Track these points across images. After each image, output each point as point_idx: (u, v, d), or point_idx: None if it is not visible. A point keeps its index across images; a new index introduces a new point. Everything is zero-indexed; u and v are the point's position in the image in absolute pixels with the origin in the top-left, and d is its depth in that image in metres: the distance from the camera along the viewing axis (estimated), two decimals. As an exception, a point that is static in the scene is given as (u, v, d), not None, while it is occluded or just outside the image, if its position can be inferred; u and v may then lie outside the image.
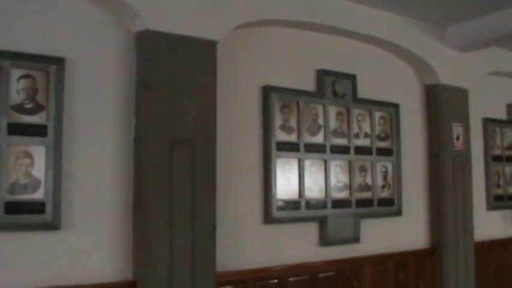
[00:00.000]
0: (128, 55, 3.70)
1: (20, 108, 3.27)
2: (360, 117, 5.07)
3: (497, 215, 6.29)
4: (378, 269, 5.01)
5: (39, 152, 3.30)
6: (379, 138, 5.20)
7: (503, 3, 4.81)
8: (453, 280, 5.43)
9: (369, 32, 4.94)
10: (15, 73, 3.26)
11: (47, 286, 3.23)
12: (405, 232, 5.33)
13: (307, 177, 4.61)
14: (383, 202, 5.15)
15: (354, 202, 4.91)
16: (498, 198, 6.32)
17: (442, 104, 5.56)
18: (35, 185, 3.28)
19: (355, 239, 4.89)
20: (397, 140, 5.30)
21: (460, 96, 5.70)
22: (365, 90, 5.07)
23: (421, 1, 4.84)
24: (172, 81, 3.70)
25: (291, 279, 4.41)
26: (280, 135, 4.50)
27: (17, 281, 3.18)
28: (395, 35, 5.15)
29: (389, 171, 5.23)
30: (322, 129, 4.77)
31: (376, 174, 5.12)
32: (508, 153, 6.49)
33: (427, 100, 5.65)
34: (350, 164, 4.93)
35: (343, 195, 4.86)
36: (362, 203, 4.98)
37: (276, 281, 4.34)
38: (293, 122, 4.59)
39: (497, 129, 6.42)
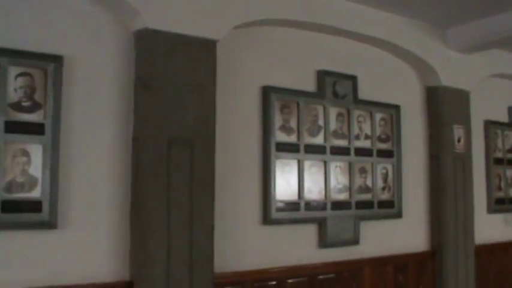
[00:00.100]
0: (127, 54, 3.68)
1: (17, 106, 3.25)
2: (361, 119, 5.04)
3: (498, 218, 6.25)
4: (378, 272, 4.99)
5: (36, 151, 3.28)
6: (380, 139, 5.17)
7: (506, 5, 4.78)
8: (453, 283, 5.39)
9: (370, 33, 4.91)
10: (13, 71, 3.24)
11: (42, 286, 3.20)
12: (405, 234, 5.30)
13: (306, 179, 4.58)
14: (383, 204, 5.13)
15: (353, 204, 4.88)
16: (499, 201, 6.28)
17: (443, 106, 5.54)
18: (32, 183, 3.26)
19: (355, 241, 4.86)
20: (398, 141, 5.28)
21: (462, 98, 5.67)
22: (366, 92, 5.05)
23: (423, 2, 4.81)
24: (172, 80, 3.67)
25: (289, 280, 4.39)
26: (280, 136, 4.47)
27: (13, 280, 3.15)
28: (397, 36, 5.13)
29: (390, 173, 5.21)
30: (322, 130, 4.75)
31: (376, 176, 5.09)
32: (509, 156, 6.45)
33: (428, 102, 5.62)
34: (350, 166, 4.90)
35: (343, 196, 4.83)
36: (362, 204, 4.95)
37: (274, 282, 4.31)
38: (293, 123, 4.57)
39: (499, 131, 6.38)
